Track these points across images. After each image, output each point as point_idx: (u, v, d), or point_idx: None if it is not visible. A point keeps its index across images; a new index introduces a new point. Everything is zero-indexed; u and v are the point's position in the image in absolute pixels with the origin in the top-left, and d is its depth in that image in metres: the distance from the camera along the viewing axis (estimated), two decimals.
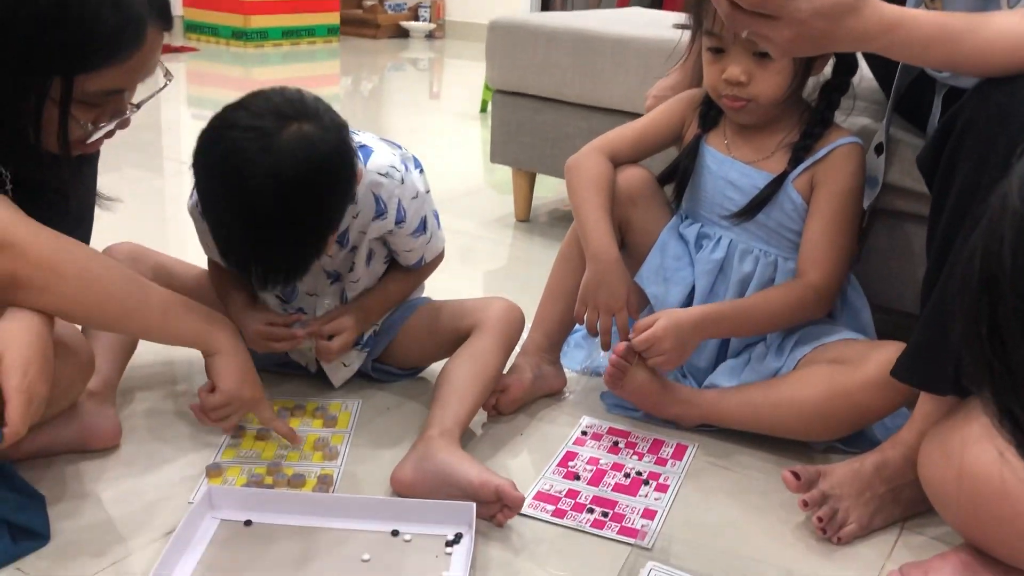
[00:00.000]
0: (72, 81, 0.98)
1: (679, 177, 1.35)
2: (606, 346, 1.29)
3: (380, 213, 1.22)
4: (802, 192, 1.27)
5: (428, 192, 1.29)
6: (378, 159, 1.20)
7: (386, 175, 1.20)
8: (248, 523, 1.05)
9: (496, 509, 1.06)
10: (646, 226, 1.36)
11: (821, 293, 1.26)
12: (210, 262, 1.33)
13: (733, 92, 1.23)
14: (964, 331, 0.51)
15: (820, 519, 1.08)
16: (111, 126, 1.06)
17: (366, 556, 1.00)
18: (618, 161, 1.35)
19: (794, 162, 1.27)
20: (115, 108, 1.05)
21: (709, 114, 1.33)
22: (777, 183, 1.27)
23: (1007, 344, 0.48)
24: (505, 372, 1.33)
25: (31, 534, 0.99)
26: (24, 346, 0.95)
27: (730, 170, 1.31)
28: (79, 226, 1.18)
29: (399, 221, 1.23)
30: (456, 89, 4.45)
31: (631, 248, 1.36)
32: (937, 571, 0.96)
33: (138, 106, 1.08)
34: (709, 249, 1.33)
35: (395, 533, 1.04)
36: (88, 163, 1.19)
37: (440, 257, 1.38)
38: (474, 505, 1.04)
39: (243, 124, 1.06)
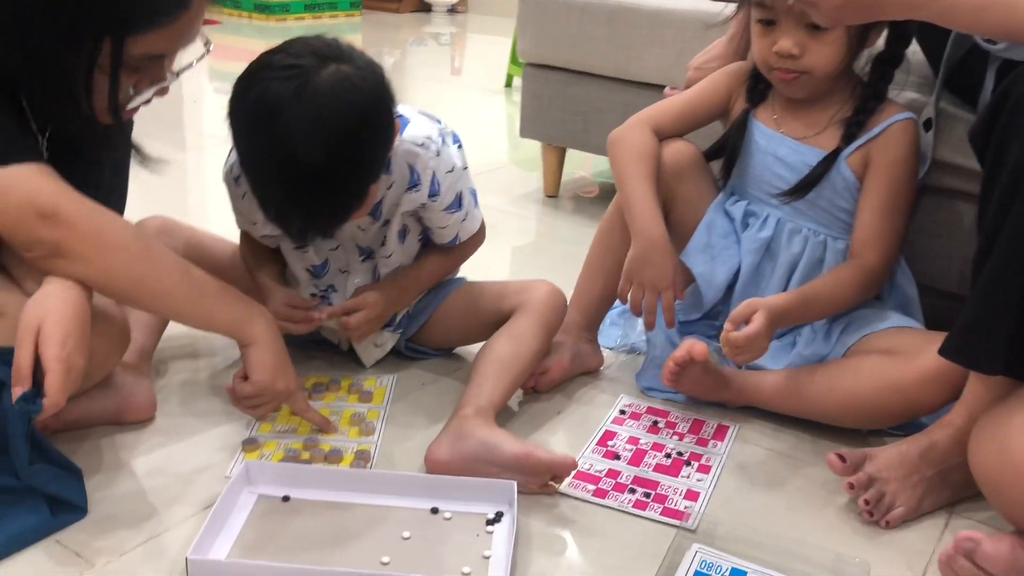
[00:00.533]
0: (123, 43, 0.96)
1: (728, 153, 1.31)
2: (650, 326, 1.26)
3: (414, 184, 1.19)
4: (855, 170, 1.23)
5: (466, 169, 1.25)
6: (414, 129, 1.17)
7: (421, 145, 1.17)
8: (286, 499, 1.03)
9: (543, 480, 1.05)
10: (691, 202, 1.32)
11: (876, 275, 1.23)
12: (242, 235, 1.31)
13: (785, 65, 1.19)
14: None
15: (867, 502, 1.05)
16: (150, 93, 1.04)
17: (406, 534, 0.99)
18: (663, 135, 1.31)
19: (847, 139, 1.23)
20: (155, 74, 1.03)
21: (757, 88, 1.29)
22: (830, 160, 1.23)
23: None
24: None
25: (69, 506, 0.98)
26: (63, 317, 0.94)
27: (779, 146, 1.27)
28: (111, 197, 1.16)
29: (432, 194, 1.20)
30: (479, 64, 4.40)
31: (675, 224, 1.32)
32: (994, 541, 0.94)
33: (178, 74, 1.06)
34: (756, 228, 1.30)
35: (435, 511, 1.02)
36: (122, 135, 1.17)
37: (478, 238, 1.34)
38: (515, 484, 1.02)
39: (279, 65, 1.02)
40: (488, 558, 0.96)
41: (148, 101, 1.06)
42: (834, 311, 1.24)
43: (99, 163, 1.12)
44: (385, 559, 0.94)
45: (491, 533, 0.99)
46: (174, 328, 1.32)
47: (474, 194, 1.28)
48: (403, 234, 1.27)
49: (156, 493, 1.04)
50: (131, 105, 1.04)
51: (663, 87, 1.57)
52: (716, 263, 1.30)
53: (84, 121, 1.01)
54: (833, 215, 1.26)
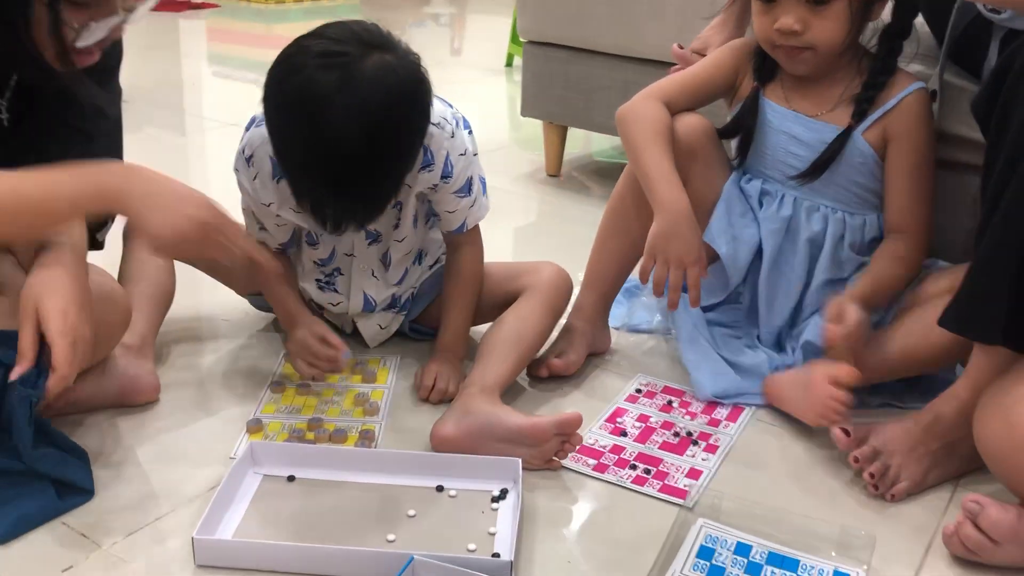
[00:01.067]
0: None
1: (743, 134, 1.28)
2: (674, 304, 1.19)
3: (427, 164, 1.17)
4: (873, 143, 1.22)
5: (476, 155, 1.23)
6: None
7: (437, 125, 1.15)
8: (291, 479, 1.04)
9: (554, 447, 1.05)
10: (706, 181, 1.28)
11: (923, 244, 1.23)
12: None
13: (788, 42, 1.18)
14: None
15: (872, 475, 1.05)
16: (103, 31, 0.99)
17: (411, 512, 0.99)
18: (673, 110, 1.27)
19: (859, 115, 1.21)
20: (107, 9, 0.99)
21: (764, 66, 1.27)
22: (844, 137, 1.22)
23: None
24: (559, 336, 1.31)
25: (76, 489, 0.98)
26: (58, 292, 0.94)
27: (793, 124, 1.25)
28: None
29: (445, 176, 1.19)
30: (479, 44, 4.38)
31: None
32: (1000, 508, 0.94)
33: (131, 10, 1.00)
34: (775, 207, 1.27)
35: (440, 489, 1.03)
36: (111, 101, 1.15)
37: (480, 252, 1.30)
38: (520, 461, 1.02)
39: (321, 51, 1.00)
40: (494, 534, 0.96)
41: (104, 43, 1.01)
42: (900, 287, 1.22)
43: (88, 134, 1.10)
44: (391, 537, 0.95)
45: (496, 510, 1.00)
46: (176, 311, 1.32)
47: (483, 182, 1.26)
48: (415, 219, 1.26)
49: (162, 474, 1.05)
50: (81, 43, 0.99)
51: (665, 63, 1.55)
52: (738, 244, 1.28)
53: (35, 67, 0.97)
54: (850, 191, 1.25)
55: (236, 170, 1.20)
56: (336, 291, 1.30)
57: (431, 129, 1.15)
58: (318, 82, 0.98)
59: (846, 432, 1.08)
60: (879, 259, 1.23)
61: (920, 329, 1.15)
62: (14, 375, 0.90)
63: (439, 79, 1.08)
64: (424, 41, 4.47)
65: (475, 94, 3.22)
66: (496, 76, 3.49)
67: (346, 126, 0.98)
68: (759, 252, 1.29)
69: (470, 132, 1.23)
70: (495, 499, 1.01)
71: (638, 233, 1.23)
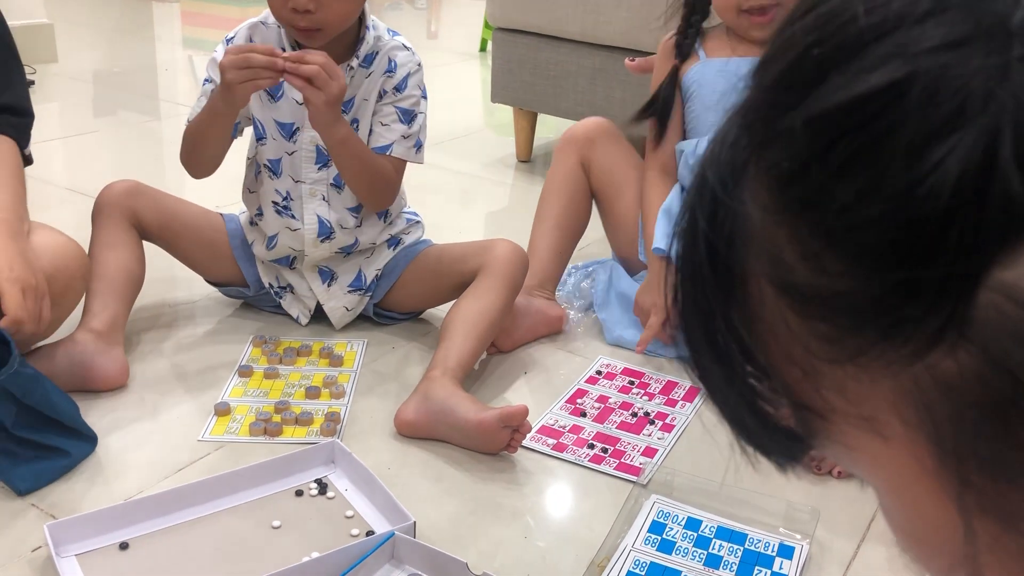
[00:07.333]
0: None
1: (660, 108, 1.34)
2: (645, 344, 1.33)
3: (390, 71, 1.29)
4: None
5: (424, 114, 1.32)
6: (404, 40, 1.32)
7: (409, 49, 1.30)
8: (124, 546, 0.93)
9: (505, 438, 1.07)
10: (606, 165, 1.45)
11: None
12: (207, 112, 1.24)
13: (759, 3, 1.23)
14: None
15: (811, 458, 1.09)
16: None
17: (276, 523, 0.96)
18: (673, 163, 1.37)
19: None
20: None
21: (684, 43, 1.33)
22: None
23: None
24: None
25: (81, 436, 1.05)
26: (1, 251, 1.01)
27: (742, 65, 1.29)
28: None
29: (398, 88, 1.29)
30: (456, 28, 4.38)
31: (596, 190, 1.46)
32: None
33: None
34: None
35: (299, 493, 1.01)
36: None
37: (393, 180, 1.30)
38: (335, 442, 1.06)
39: None
40: (351, 517, 0.97)
41: None
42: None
43: None
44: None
45: (332, 498, 1.00)
46: (145, 298, 1.34)
47: (420, 142, 1.31)
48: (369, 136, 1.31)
49: (130, 457, 1.07)
50: None
51: (630, 49, 1.58)
52: None
53: None
54: None
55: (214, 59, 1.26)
56: (293, 216, 1.33)
57: (402, 50, 1.30)
58: None
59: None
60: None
61: None
62: None
63: None
64: (400, 25, 4.46)
65: (450, 79, 3.23)
66: (470, 61, 3.50)
67: None
68: None
69: (426, 98, 1.33)
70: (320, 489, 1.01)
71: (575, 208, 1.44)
